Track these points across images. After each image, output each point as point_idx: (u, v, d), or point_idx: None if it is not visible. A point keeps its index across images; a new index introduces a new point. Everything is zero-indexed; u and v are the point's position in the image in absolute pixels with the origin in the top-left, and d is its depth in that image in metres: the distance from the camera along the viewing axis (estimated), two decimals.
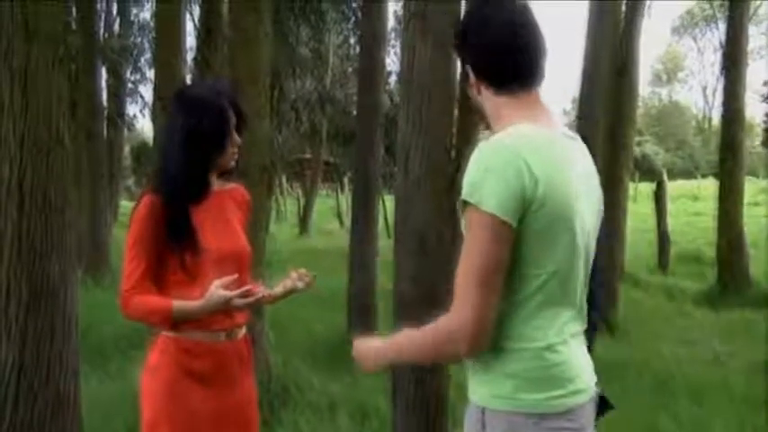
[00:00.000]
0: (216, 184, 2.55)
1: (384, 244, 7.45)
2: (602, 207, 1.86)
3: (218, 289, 2.34)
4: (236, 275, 2.39)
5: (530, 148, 1.63)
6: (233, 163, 2.54)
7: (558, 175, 1.65)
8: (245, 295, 2.37)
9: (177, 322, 2.40)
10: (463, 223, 1.68)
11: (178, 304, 2.37)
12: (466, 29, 1.83)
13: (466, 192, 1.63)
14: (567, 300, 1.72)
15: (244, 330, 2.59)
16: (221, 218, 2.53)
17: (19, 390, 3.31)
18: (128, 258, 2.40)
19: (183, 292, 2.39)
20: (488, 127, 1.87)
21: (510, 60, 1.76)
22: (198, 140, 2.42)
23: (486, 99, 1.80)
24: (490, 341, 1.65)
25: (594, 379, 1.80)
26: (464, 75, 1.85)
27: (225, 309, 2.38)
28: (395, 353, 1.84)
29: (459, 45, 1.86)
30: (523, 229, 1.62)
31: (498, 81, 1.77)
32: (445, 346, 1.68)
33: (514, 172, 1.60)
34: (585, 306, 1.80)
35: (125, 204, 24.24)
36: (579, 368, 1.73)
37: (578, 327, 1.77)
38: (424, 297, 3.67)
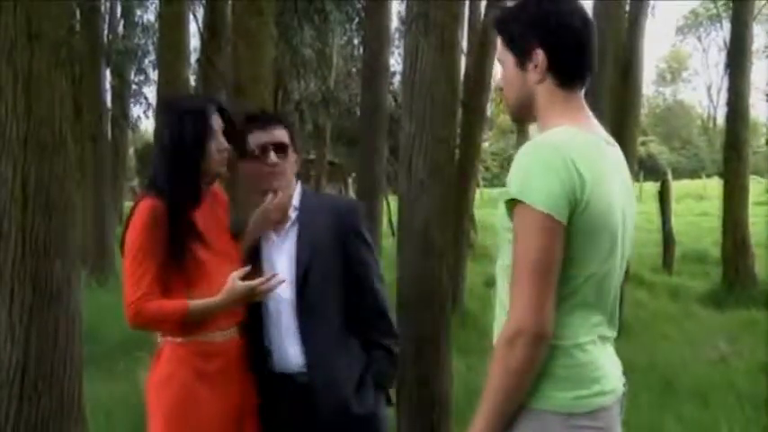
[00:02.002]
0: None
1: (388, 243, 7.43)
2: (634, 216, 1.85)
3: (236, 281, 2.32)
4: (248, 268, 2.37)
5: (578, 151, 1.63)
6: (223, 168, 2.50)
7: (602, 180, 1.65)
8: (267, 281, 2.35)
9: (188, 325, 2.35)
10: (510, 224, 1.65)
11: (194, 303, 2.32)
12: (548, 15, 1.73)
13: (517, 190, 1.61)
14: (600, 302, 1.72)
15: None
16: (213, 219, 2.52)
17: (23, 391, 3.31)
18: (133, 266, 2.32)
19: (185, 298, 2.36)
20: (523, 119, 1.83)
21: (585, 60, 1.76)
22: (180, 146, 2.40)
23: (545, 89, 1.76)
24: (552, 333, 1.61)
25: (623, 380, 1.80)
26: (519, 60, 1.76)
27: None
28: (481, 413, 1.65)
29: (531, 28, 1.74)
30: (568, 230, 1.61)
31: (570, 76, 1.75)
32: (513, 347, 1.59)
33: (566, 172, 1.59)
34: (617, 313, 1.79)
35: (129, 205, 24.24)
36: (606, 369, 1.73)
37: (608, 331, 1.77)
38: (426, 297, 3.67)
